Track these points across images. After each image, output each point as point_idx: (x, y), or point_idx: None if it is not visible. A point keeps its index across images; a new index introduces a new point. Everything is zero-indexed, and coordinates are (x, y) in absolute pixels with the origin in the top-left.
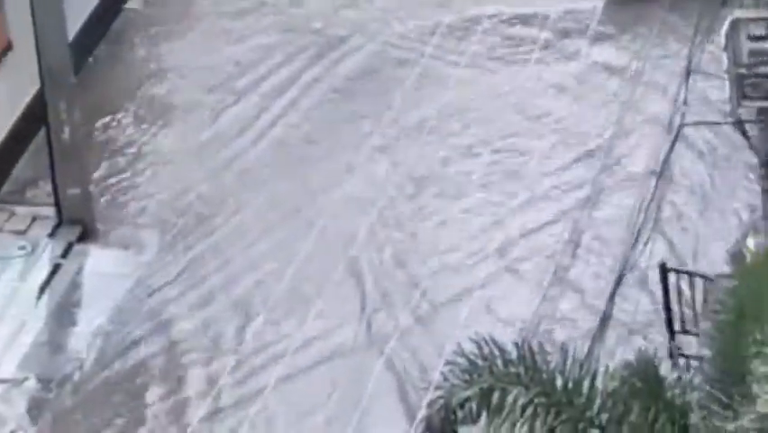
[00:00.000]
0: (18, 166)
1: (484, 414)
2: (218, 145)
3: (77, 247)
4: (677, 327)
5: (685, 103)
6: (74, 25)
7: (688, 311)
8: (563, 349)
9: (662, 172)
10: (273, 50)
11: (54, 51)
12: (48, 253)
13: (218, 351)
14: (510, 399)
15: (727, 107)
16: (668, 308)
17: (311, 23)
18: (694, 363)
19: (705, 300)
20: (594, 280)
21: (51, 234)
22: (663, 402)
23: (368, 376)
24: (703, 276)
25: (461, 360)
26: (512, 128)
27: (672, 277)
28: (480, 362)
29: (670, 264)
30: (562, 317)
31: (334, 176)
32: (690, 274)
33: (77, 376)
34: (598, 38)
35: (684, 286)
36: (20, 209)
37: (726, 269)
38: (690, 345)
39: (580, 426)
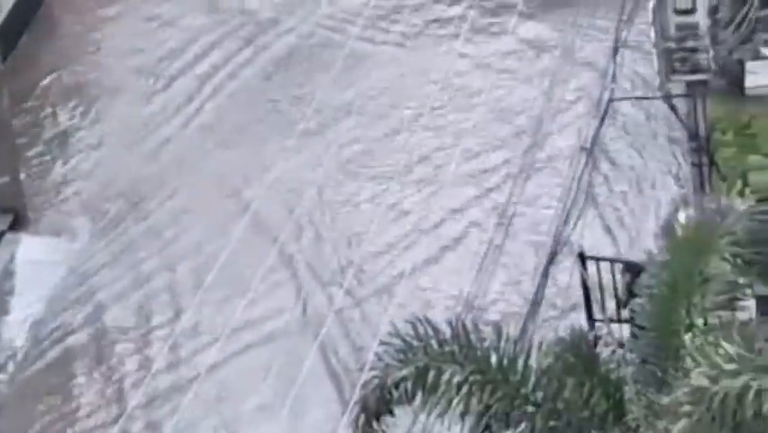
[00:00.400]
0: None
1: (419, 393)
2: (150, 129)
3: (8, 236)
4: (598, 315)
5: (614, 78)
6: (1, 11)
7: (609, 298)
8: (497, 327)
9: (593, 148)
10: (203, 32)
11: None
12: None
13: (152, 337)
14: (445, 377)
15: (656, 82)
16: (587, 298)
17: (242, 5)
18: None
19: (629, 283)
20: (526, 257)
21: None
22: (598, 377)
23: (302, 360)
24: (623, 261)
25: (395, 340)
26: (441, 107)
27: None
28: (414, 342)
29: (601, 243)
30: (496, 296)
31: (266, 159)
32: (611, 261)
33: (11, 366)
34: (526, 15)
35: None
36: None
37: (658, 243)
38: (613, 331)
39: (516, 402)
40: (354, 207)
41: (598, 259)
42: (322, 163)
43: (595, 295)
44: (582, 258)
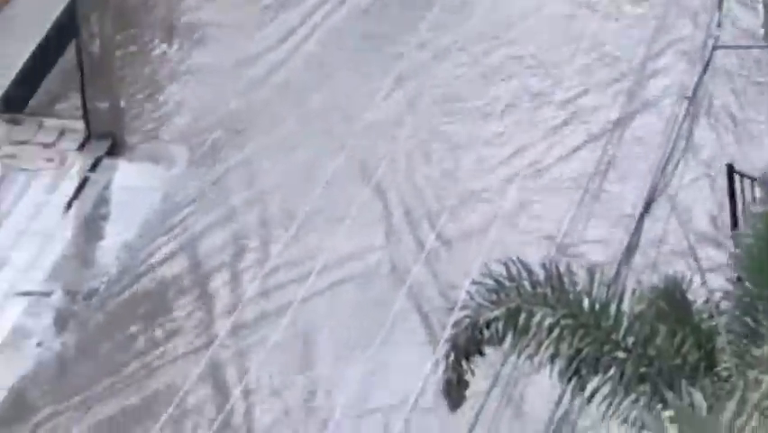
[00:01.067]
0: (48, 79)
1: (510, 335)
2: (251, 61)
3: (105, 161)
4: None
5: (719, 26)
6: None
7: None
8: (591, 271)
9: (694, 96)
10: None
11: None
12: (76, 166)
13: (243, 268)
14: (536, 320)
15: (761, 31)
16: (734, 212)
17: None
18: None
19: None
20: (624, 203)
21: (80, 148)
22: (690, 326)
23: (393, 297)
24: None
25: (488, 280)
26: (543, 50)
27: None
28: (507, 282)
29: (700, 191)
30: (591, 240)
31: (365, 97)
32: (754, 180)
33: (103, 290)
34: None
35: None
36: (49, 122)
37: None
38: None
39: (606, 348)
40: (451, 147)
41: (743, 175)
42: (420, 103)
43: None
44: (731, 171)
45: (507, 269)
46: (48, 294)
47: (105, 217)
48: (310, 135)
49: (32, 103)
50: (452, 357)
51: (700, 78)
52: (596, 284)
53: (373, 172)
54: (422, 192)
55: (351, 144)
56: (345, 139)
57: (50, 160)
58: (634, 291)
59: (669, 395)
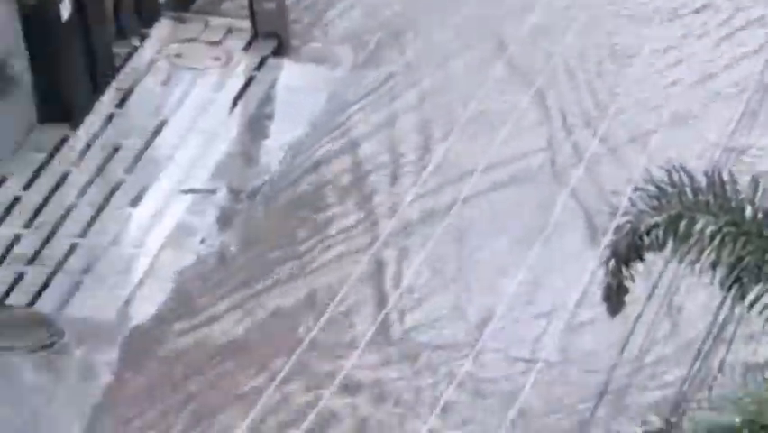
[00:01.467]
0: None
1: (670, 241)
2: None
3: (271, 61)
4: None
5: None
6: None
7: None
8: (754, 180)
9: None
10: None
11: None
12: (242, 65)
13: (405, 169)
14: (698, 227)
15: None
16: None
17: None
18: None
19: None
20: None
21: (246, 47)
22: None
23: (554, 201)
24: None
25: (650, 186)
26: None
27: None
28: (669, 189)
29: None
30: (756, 149)
31: (528, 2)
32: None
33: (266, 189)
34: None
35: None
36: (215, 20)
37: None
38: None
39: None
40: (614, 54)
41: None
42: (584, 9)
43: None
44: None
45: (670, 175)
46: (212, 192)
47: (269, 117)
48: (472, 39)
49: (198, 1)
50: (612, 263)
51: None
52: (759, 193)
53: (535, 78)
54: (584, 98)
55: (512, 50)
56: (507, 44)
57: (216, 58)
58: None
59: None
